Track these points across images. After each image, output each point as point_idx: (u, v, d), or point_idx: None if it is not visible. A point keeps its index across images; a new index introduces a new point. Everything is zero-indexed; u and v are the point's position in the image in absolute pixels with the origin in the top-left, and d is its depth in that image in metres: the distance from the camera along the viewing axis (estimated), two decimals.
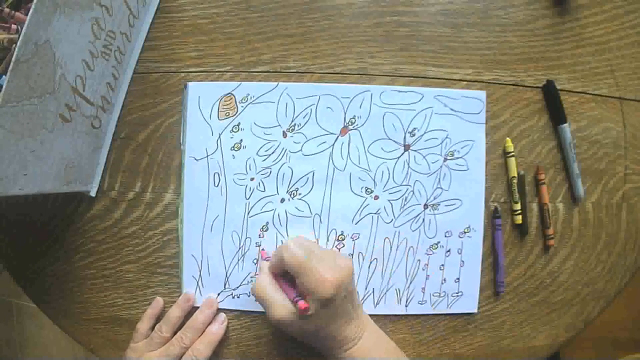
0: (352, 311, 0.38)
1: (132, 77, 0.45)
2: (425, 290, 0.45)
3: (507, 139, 0.44)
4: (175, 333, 0.42)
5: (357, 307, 0.39)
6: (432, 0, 0.44)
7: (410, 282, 0.44)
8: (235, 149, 0.44)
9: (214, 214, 0.44)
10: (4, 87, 0.28)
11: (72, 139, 0.38)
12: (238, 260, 0.44)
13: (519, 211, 0.44)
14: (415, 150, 0.44)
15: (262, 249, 0.44)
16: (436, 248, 0.44)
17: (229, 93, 0.44)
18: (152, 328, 0.43)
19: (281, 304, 0.37)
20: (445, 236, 0.44)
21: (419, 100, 0.43)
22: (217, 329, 0.43)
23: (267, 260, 0.41)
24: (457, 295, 0.45)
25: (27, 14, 0.28)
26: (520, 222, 0.44)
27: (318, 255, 0.36)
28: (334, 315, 0.36)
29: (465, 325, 0.45)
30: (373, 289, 0.44)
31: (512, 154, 0.44)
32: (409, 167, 0.44)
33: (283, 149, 0.44)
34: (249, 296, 0.44)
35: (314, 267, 0.35)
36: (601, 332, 0.77)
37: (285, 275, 0.39)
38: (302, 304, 0.35)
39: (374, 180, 0.44)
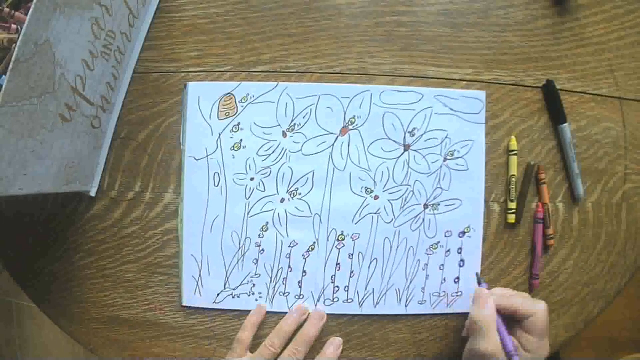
0: None
1: (132, 77, 0.45)
2: (425, 290, 0.45)
3: (513, 137, 0.44)
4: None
5: None
6: (432, 0, 0.44)
7: (410, 282, 0.44)
8: (235, 149, 0.44)
9: (214, 214, 0.44)
10: (4, 87, 0.28)
11: (72, 139, 0.38)
12: (238, 260, 0.44)
13: (514, 210, 0.44)
14: (415, 150, 0.44)
15: (480, 278, 0.42)
16: (436, 248, 0.44)
17: (229, 93, 0.44)
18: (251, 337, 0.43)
19: (496, 343, 0.37)
20: (445, 236, 0.44)
21: (419, 100, 0.44)
22: (332, 352, 0.43)
23: (486, 288, 0.41)
24: (457, 295, 0.45)
25: (27, 14, 0.28)
26: (513, 221, 0.44)
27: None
28: None
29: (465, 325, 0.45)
30: (373, 289, 0.44)
31: (515, 152, 0.44)
32: (409, 167, 0.44)
33: (283, 149, 0.44)
34: (249, 296, 0.44)
35: (548, 334, 0.38)
36: (601, 332, 0.77)
37: (503, 319, 0.39)
38: (517, 358, 0.36)
39: (374, 180, 0.44)
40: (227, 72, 0.44)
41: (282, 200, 0.44)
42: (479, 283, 0.42)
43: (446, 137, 0.44)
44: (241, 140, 0.44)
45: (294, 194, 0.44)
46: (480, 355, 0.37)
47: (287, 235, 0.44)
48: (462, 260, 0.44)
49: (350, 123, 0.44)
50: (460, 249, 0.44)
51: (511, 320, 0.39)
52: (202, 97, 0.44)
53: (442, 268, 0.44)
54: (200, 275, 0.44)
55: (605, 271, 0.46)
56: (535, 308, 0.38)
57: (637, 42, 0.46)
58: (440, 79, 0.44)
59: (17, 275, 0.47)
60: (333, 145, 0.44)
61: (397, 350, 0.45)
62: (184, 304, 0.45)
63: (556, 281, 0.46)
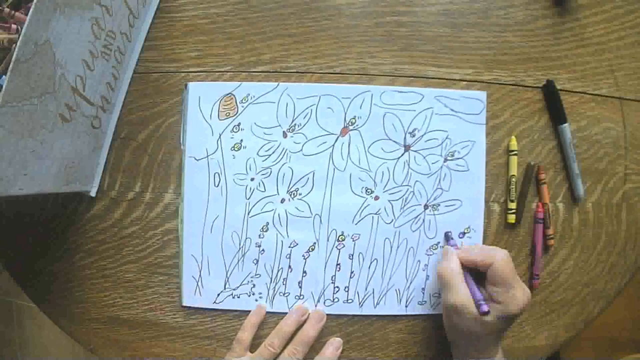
0: (501, 339, 0.40)
1: (132, 77, 0.45)
2: (425, 290, 0.45)
3: (513, 137, 0.44)
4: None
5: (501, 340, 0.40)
6: (432, 0, 0.44)
7: (410, 283, 0.44)
8: (236, 149, 0.44)
9: (214, 214, 0.44)
10: (4, 87, 0.28)
11: (72, 139, 0.38)
12: (238, 260, 0.44)
13: (514, 210, 0.44)
14: (415, 151, 0.44)
15: (448, 234, 0.44)
16: (436, 248, 0.44)
17: (230, 93, 0.44)
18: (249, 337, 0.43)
19: (463, 293, 0.38)
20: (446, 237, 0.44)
21: (420, 101, 0.43)
22: (331, 352, 0.43)
23: (452, 247, 0.42)
24: None
25: (27, 14, 0.28)
26: (513, 221, 0.44)
27: (516, 275, 0.38)
28: (498, 330, 0.38)
29: None
30: (373, 289, 0.44)
31: (515, 152, 0.44)
32: (409, 167, 0.44)
33: (283, 149, 0.44)
34: (249, 296, 0.44)
35: (517, 285, 0.37)
36: (601, 332, 0.77)
37: (470, 271, 0.40)
38: (485, 307, 0.37)
39: (374, 181, 0.44)
40: (227, 72, 0.44)
41: (282, 201, 0.44)
42: (448, 240, 0.44)
43: (446, 138, 0.44)
44: (241, 140, 0.44)
45: (294, 194, 0.44)
46: (451, 308, 0.38)
47: (287, 236, 0.44)
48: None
49: (350, 123, 0.44)
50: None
51: (480, 274, 0.39)
52: (202, 97, 0.44)
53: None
54: (200, 275, 0.44)
55: (605, 271, 0.46)
56: (493, 258, 0.38)
57: (637, 42, 0.46)
58: (440, 79, 0.44)
59: (17, 275, 0.47)
60: (333, 145, 0.44)
61: (397, 350, 0.45)
62: (184, 304, 0.45)
63: (556, 281, 0.46)
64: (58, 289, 0.46)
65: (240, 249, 0.44)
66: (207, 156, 0.44)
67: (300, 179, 0.44)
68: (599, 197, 0.46)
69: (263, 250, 0.44)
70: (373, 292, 0.44)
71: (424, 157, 0.44)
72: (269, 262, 0.44)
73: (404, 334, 0.45)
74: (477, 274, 0.39)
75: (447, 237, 0.44)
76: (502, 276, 0.37)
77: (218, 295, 0.44)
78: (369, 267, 0.44)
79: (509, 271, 0.37)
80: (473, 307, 0.37)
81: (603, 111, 0.46)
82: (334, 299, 0.44)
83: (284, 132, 0.44)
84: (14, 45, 0.28)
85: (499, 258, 0.38)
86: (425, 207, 0.44)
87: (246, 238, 0.44)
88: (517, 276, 0.38)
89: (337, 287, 0.44)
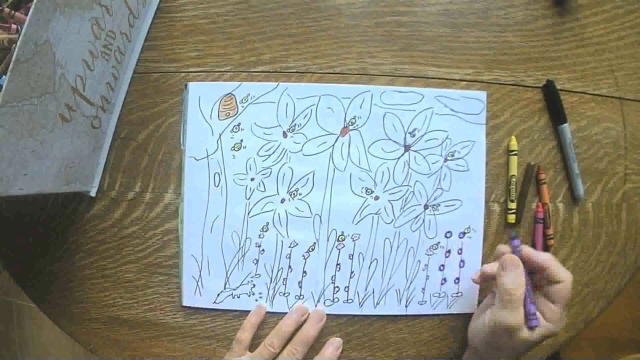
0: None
1: (132, 77, 0.45)
2: (425, 290, 0.45)
3: (513, 137, 0.44)
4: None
5: None
6: (432, 0, 0.44)
7: (410, 283, 0.44)
8: (236, 149, 0.44)
9: (214, 214, 0.44)
10: (4, 87, 0.28)
11: (72, 139, 0.38)
12: (238, 260, 0.44)
13: (514, 210, 0.44)
14: (415, 151, 0.44)
15: (515, 236, 0.38)
16: (436, 248, 0.44)
17: (230, 93, 0.44)
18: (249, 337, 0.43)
19: (522, 314, 0.35)
20: (446, 237, 0.44)
21: (420, 101, 0.43)
22: (331, 352, 0.43)
23: (517, 246, 0.38)
24: (457, 296, 0.45)
25: (27, 14, 0.28)
26: (513, 221, 0.44)
27: None
28: (532, 347, 0.36)
29: (465, 325, 0.45)
30: (373, 289, 0.44)
31: (515, 152, 0.44)
32: (409, 167, 0.44)
33: (283, 149, 0.44)
34: (249, 296, 0.44)
35: (565, 302, 0.36)
36: (601, 332, 0.77)
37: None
38: (535, 322, 0.35)
39: (374, 181, 0.44)
40: (227, 72, 0.44)
41: (283, 201, 0.44)
42: (513, 238, 0.38)
43: (446, 138, 0.44)
44: (241, 140, 0.44)
45: (294, 194, 0.44)
46: (504, 328, 0.35)
47: (287, 236, 0.44)
48: (462, 261, 0.44)
49: (350, 123, 0.44)
50: (461, 249, 0.44)
51: (534, 286, 0.37)
52: (202, 97, 0.44)
53: (442, 268, 0.44)
54: (200, 275, 0.44)
55: (605, 271, 0.46)
56: (564, 275, 0.36)
57: (637, 42, 0.46)
58: (440, 79, 0.44)
59: (17, 275, 0.47)
60: (333, 145, 0.44)
61: (397, 350, 0.45)
62: (184, 304, 0.45)
63: None
64: (58, 289, 0.46)
65: (240, 249, 0.44)
66: (207, 156, 0.44)
67: (300, 179, 0.44)
68: (599, 197, 0.46)
69: (263, 250, 0.44)
70: (373, 292, 0.44)
71: (424, 157, 0.44)
72: (269, 262, 0.44)
73: (404, 334, 0.45)
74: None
75: (513, 236, 0.39)
76: (567, 296, 0.36)
77: (218, 295, 0.44)
78: (369, 267, 0.44)
79: (570, 289, 0.36)
80: (526, 328, 0.35)
81: (603, 111, 0.46)
82: (334, 299, 0.44)
83: (284, 132, 0.44)
84: (14, 45, 0.28)
85: (570, 278, 0.36)
86: (425, 207, 0.44)
87: (246, 238, 0.44)
88: None
89: (337, 287, 0.44)
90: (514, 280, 0.35)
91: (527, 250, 0.38)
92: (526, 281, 0.36)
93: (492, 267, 0.39)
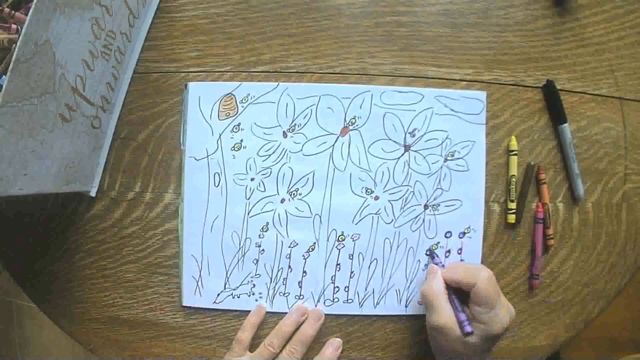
0: (488, 357, 0.39)
1: (132, 77, 0.45)
2: None
3: (513, 137, 0.44)
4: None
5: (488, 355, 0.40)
6: (432, 0, 0.44)
7: (410, 283, 0.44)
8: (236, 149, 0.44)
9: (214, 214, 0.44)
10: (4, 87, 0.28)
11: (72, 139, 0.38)
12: (238, 260, 0.44)
13: (514, 210, 0.44)
14: (415, 151, 0.44)
15: (433, 253, 0.44)
16: (436, 248, 0.44)
17: (230, 93, 0.44)
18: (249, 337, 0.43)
19: (448, 315, 0.38)
20: (446, 237, 0.44)
21: (420, 101, 0.43)
22: (331, 353, 0.43)
23: (438, 265, 0.42)
24: None
25: (27, 14, 0.28)
26: (513, 221, 0.44)
27: (500, 295, 0.38)
28: (482, 350, 0.38)
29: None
30: (373, 289, 0.44)
31: (515, 152, 0.44)
32: (409, 167, 0.44)
33: (283, 149, 0.44)
34: (249, 296, 0.44)
35: (500, 305, 0.37)
36: (601, 332, 0.77)
37: (455, 291, 0.39)
38: (469, 327, 0.37)
39: (374, 181, 0.44)
40: (227, 72, 0.44)
41: (282, 201, 0.44)
42: (433, 257, 0.43)
43: (446, 138, 0.44)
44: (241, 140, 0.44)
45: (294, 194, 0.44)
46: (435, 329, 0.38)
47: (287, 236, 0.44)
48: (462, 261, 0.44)
49: (350, 123, 0.44)
50: (460, 249, 0.44)
51: (464, 292, 0.39)
52: (202, 97, 0.44)
53: (442, 268, 0.44)
54: (200, 275, 0.44)
55: (605, 271, 0.46)
56: (476, 278, 0.37)
57: (637, 42, 0.46)
58: (440, 79, 0.44)
59: (17, 275, 0.47)
60: (333, 145, 0.44)
61: (397, 350, 0.45)
62: (184, 304, 0.45)
63: (556, 281, 0.46)
64: (58, 289, 0.46)
65: (240, 249, 0.44)
66: (207, 156, 0.44)
67: (300, 179, 0.44)
68: (599, 197, 0.46)
69: (263, 250, 0.44)
70: (373, 292, 0.44)
71: (424, 157, 0.44)
72: (269, 262, 0.44)
73: (404, 334, 0.45)
74: (462, 293, 0.39)
75: (432, 255, 0.44)
76: (486, 297, 0.37)
77: (218, 295, 0.44)
78: (369, 267, 0.44)
79: (493, 291, 0.37)
80: (457, 328, 0.37)
81: (603, 111, 0.46)
82: (334, 299, 0.44)
83: (284, 132, 0.44)
84: (14, 45, 0.28)
85: (483, 278, 0.37)
86: (425, 207, 0.44)
87: (246, 238, 0.44)
88: (502, 295, 0.38)
89: (337, 287, 0.44)
90: (431, 286, 0.39)
91: (447, 267, 0.41)
92: (450, 292, 0.39)
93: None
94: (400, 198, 0.44)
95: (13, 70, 0.28)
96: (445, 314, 0.37)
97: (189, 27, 0.44)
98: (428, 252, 0.44)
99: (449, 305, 0.38)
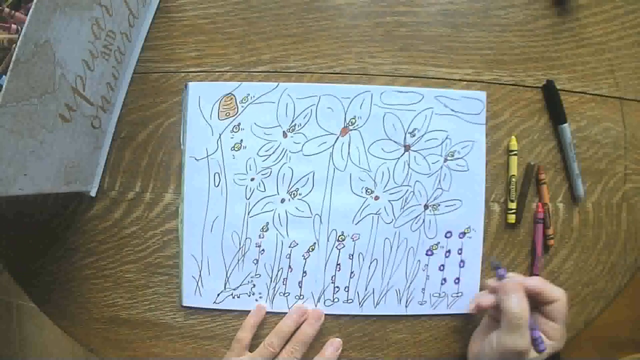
0: None
1: (132, 77, 0.45)
2: (425, 290, 0.45)
3: (513, 137, 0.44)
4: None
5: None
6: (432, 0, 0.44)
7: (410, 283, 0.44)
8: (236, 149, 0.44)
9: (214, 214, 0.44)
10: (4, 87, 0.28)
11: (72, 139, 0.38)
12: (238, 260, 0.44)
13: (514, 210, 0.44)
14: (415, 151, 0.44)
15: (495, 263, 0.40)
16: (436, 249, 0.44)
17: (230, 93, 0.44)
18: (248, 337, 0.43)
19: (528, 337, 0.36)
20: (446, 237, 0.44)
21: (419, 101, 0.43)
22: (330, 353, 0.43)
23: (503, 277, 0.39)
24: (457, 296, 0.45)
25: (27, 14, 0.28)
26: (513, 221, 0.44)
27: None
28: None
29: (465, 325, 0.45)
30: (373, 289, 0.44)
31: (515, 152, 0.44)
32: (409, 167, 0.44)
33: (283, 149, 0.44)
34: (249, 296, 0.44)
35: (564, 318, 0.37)
36: (601, 332, 0.77)
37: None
38: (543, 345, 0.36)
39: (374, 181, 0.44)
40: (227, 72, 0.44)
41: (282, 201, 0.44)
42: (497, 268, 0.39)
43: (446, 138, 0.44)
44: (241, 140, 0.44)
45: (294, 194, 0.44)
46: (514, 352, 0.36)
47: (287, 236, 0.44)
48: (462, 261, 0.44)
49: (350, 123, 0.44)
50: (461, 249, 0.44)
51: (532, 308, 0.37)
52: (202, 97, 0.44)
53: (442, 269, 0.44)
54: (200, 275, 0.44)
55: (605, 271, 0.46)
56: (558, 293, 0.37)
57: (637, 42, 0.46)
58: (440, 79, 0.44)
59: (17, 275, 0.47)
60: (333, 145, 0.44)
61: (397, 350, 0.45)
62: (184, 304, 0.45)
63: (556, 281, 0.46)
64: (58, 289, 0.46)
65: (240, 249, 0.44)
66: (207, 156, 0.44)
67: (300, 179, 0.44)
68: (599, 197, 0.46)
69: (263, 250, 0.44)
70: (373, 292, 0.44)
71: (424, 157, 0.44)
72: (269, 262, 0.44)
73: (404, 334, 0.45)
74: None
75: (496, 265, 0.40)
76: (564, 314, 0.37)
77: (218, 295, 0.44)
78: (369, 267, 0.44)
79: (566, 307, 0.37)
80: (532, 350, 0.36)
81: (603, 111, 0.46)
82: (334, 299, 0.44)
83: (284, 132, 0.44)
84: (14, 45, 0.28)
85: (564, 295, 0.37)
86: (425, 207, 0.44)
87: (246, 238, 0.44)
88: None
89: (337, 287, 0.44)
90: (519, 303, 0.36)
91: (516, 277, 0.39)
92: None
93: (487, 300, 0.39)
94: (400, 198, 0.44)
95: (13, 70, 0.28)
96: (527, 338, 0.35)
97: (189, 27, 0.45)
98: (492, 265, 0.40)
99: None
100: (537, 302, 0.38)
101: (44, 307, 0.47)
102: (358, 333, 0.45)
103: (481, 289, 0.44)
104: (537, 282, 0.38)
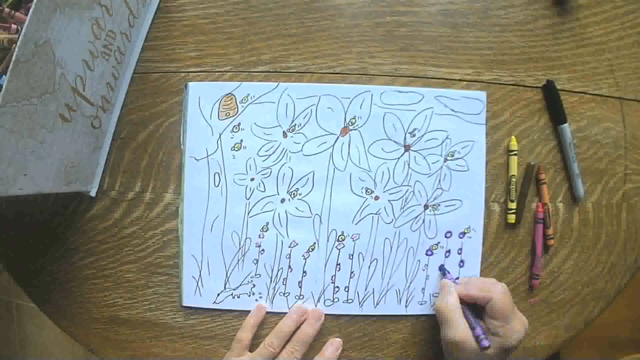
0: None
1: (132, 77, 0.45)
2: (425, 290, 0.45)
3: (513, 137, 0.44)
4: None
5: None
6: (432, 0, 0.44)
7: (410, 283, 0.44)
8: (236, 149, 0.44)
9: (214, 214, 0.44)
10: (4, 87, 0.28)
11: (72, 139, 0.38)
12: (238, 260, 0.44)
13: (514, 210, 0.44)
14: (415, 151, 0.44)
15: (444, 268, 0.44)
16: (436, 248, 0.44)
17: (230, 93, 0.44)
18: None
19: (463, 330, 0.38)
20: (445, 237, 0.44)
21: (420, 101, 0.43)
22: (331, 353, 0.43)
23: (450, 280, 0.42)
24: None
25: (27, 14, 0.28)
26: (513, 221, 0.44)
27: (514, 307, 0.39)
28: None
29: None
30: (373, 289, 0.44)
31: (515, 152, 0.44)
32: (409, 167, 0.44)
33: (283, 149, 0.44)
34: (249, 296, 0.44)
35: (515, 318, 0.38)
36: (601, 332, 0.77)
37: (469, 305, 0.40)
38: (486, 342, 0.37)
39: (374, 181, 0.44)
40: (227, 72, 0.44)
41: (282, 201, 0.44)
42: (444, 274, 0.43)
43: (446, 138, 0.44)
44: (241, 140, 0.44)
45: (294, 194, 0.44)
46: (451, 344, 0.38)
47: (287, 236, 0.44)
48: (462, 261, 0.44)
49: (350, 123, 0.44)
50: (460, 249, 0.44)
51: (477, 306, 0.40)
52: (202, 97, 0.44)
53: (455, 283, 0.44)
54: (200, 275, 0.44)
55: (605, 271, 0.46)
56: (491, 293, 0.38)
57: (637, 42, 0.46)
58: (440, 79, 0.44)
59: (17, 275, 0.47)
60: (333, 145, 0.44)
61: (397, 350, 0.45)
62: (184, 304, 0.45)
63: (556, 281, 0.46)
64: (58, 289, 0.46)
65: (240, 249, 0.44)
66: (207, 156, 0.44)
67: (300, 179, 0.44)
68: (599, 197, 0.46)
69: (263, 250, 0.44)
70: (373, 292, 0.44)
71: (424, 157, 0.44)
72: (269, 262, 0.44)
73: (404, 334, 0.45)
74: (475, 306, 0.40)
75: (443, 271, 0.44)
76: (502, 311, 0.38)
77: (218, 295, 0.44)
78: (369, 267, 0.44)
79: (508, 305, 0.38)
80: (473, 342, 0.37)
81: (603, 111, 0.46)
82: (334, 299, 0.44)
83: (284, 132, 0.44)
84: (14, 45, 0.28)
85: (499, 292, 0.38)
86: (425, 207, 0.44)
87: (246, 238, 0.44)
88: (515, 307, 0.39)
89: (337, 287, 0.44)
90: (445, 301, 0.40)
91: (461, 282, 0.42)
92: (465, 307, 0.40)
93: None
94: (400, 198, 0.44)
95: (13, 70, 0.28)
96: (461, 329, 0.38)
97: (189, 27, 0.45)
98: (440, 269, 0.44)
99: (464, 320, 0.38)
100: (480, 304, 0.39)
101: (44, 307, 0.47)
102: (358, 333, 0.45)
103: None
104: (466, 291, 0.40)
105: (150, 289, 0.45)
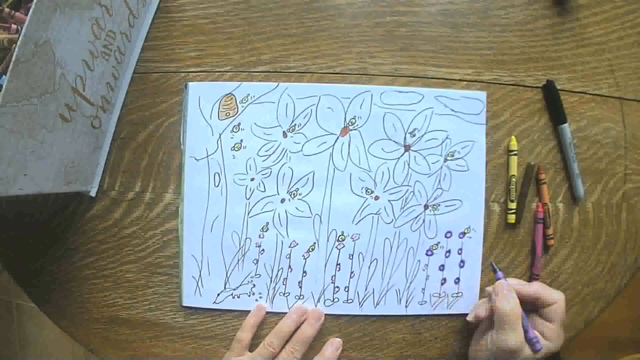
0: None
1: (132, 77, 0.45)
2: (425, 290, 0.45)
3: (513, 136, 0.44)
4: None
5: None
6: (432, 0, 0.44)
7: (410, 283, 0.44)
8: (236, 149, 0.44)
9: (214, 214, 0.44)
10: (4, 87, 0.28)
11: (72, 139, 0.38)
12: (238, 260, 0.44)
13: (514, 210, 0.44)
14: (415, 151, 0.44)
15: (495, 266, 0.41)
16: (436, 249, 0.44)
17: (230, 93, 0.44)
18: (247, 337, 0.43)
19: (522, 335, 0.37)
20: (446, 237, 0.44)
21: (420, 101, 0.43)
22: (331, 353, 0.43)
23: (501, 279, 0.40)
24: (457, 296, 0.45)
25: (27, 14, 0.28)
26: (513, 221, 0.44)
27: None
28: None
29: (465, 325, 0.45)
30: (373, 289, 0.44)
31: (515, 152, 0.44)
32: (409, 167, 0.44)
33: (283, 149, 0.44)
34: (249, 296, 0.44)
35: (561, 319, 0.38)
36: (601, 332, 0.77)
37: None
38: (539, 345, 0.37)
39: (374, 181, 0.44)
40: (227, 72, 0.44)
41: (283, 201, 0.44)
42: (495, 271, 0.41)
43: (446, 138, 0.44)
44: (241, 140, 0.44)
45: (294, 194, 0.44)
46: (507, 351, 0.37)
47: (287, 236, 0.44)
48: (462, 261, 0.44)
49: (350, 123, 0.44)
50: (461, 249, 0.44)
51: (529, 310, 0.39)
52: (202, 97, 0.44)
53: (442, 269, 0.44)
54: (200, 275, 0.44)
55: (605, 271, 0.46)
56: (556, 296, 0.39)
57: (637, 42, 0.46)
58: (440, 79, 0.44)
59: (17, 275, 0.47)
60: (333, 145, 0.44)
61: (397, 350, 0.45)
62: (184, 304, 0.45)
63: (556, 281, 0.46)
64: (58, 289, 0.46)
65: (240, 249, 0.44)
66: (207, 156, 0.44)
67: (300, 179, 0.44)
68: (599, 197, 0.46)
69: (263, 250, 0.44)
70: (373, 292, 0.44)
71: (424, 157, 0.44)
72: (269, 262, 0.44)
73: (404, 334, 0.45)
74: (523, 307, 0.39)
75: (494, 269, 0.41)
76: (562, 316, 0.38)
77: (218, 295, 0.44)
78: (369, 267, 0.44)
79: (564, 307, 0.39)
80: (527, 349, 0.37)
81: (603, 111, 0.46)
82: (334, 299, 0.44)
83: (284, 132, 0.44)
84: (14, 45, 0.28)
85: (562, 297, 0.39)
86: (425, 207, 0.44)
87: (246, 238, 0.44)
88: None
89: (337, 287, 0.44)
90: (509, 303, 0.38)
91: (515, 283, 0.40)
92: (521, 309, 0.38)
93: (484, 310, 0.41)
94: (400, 198, 0.44)
95: (13, 70, 0.28)
96: (521, 335, 0.37)
97: (189, 27, 0.45)
98: (491, 268, 0.42)
99: (520, 324, 0.37)
100: (535, 305, 0.39)
101: (44, 307, 0.47)
102: (358, 333, 0.45)
103: (480, 295, 0.44)
104: (537, 288, 0.39)
105: (150, 289, 0.45)
